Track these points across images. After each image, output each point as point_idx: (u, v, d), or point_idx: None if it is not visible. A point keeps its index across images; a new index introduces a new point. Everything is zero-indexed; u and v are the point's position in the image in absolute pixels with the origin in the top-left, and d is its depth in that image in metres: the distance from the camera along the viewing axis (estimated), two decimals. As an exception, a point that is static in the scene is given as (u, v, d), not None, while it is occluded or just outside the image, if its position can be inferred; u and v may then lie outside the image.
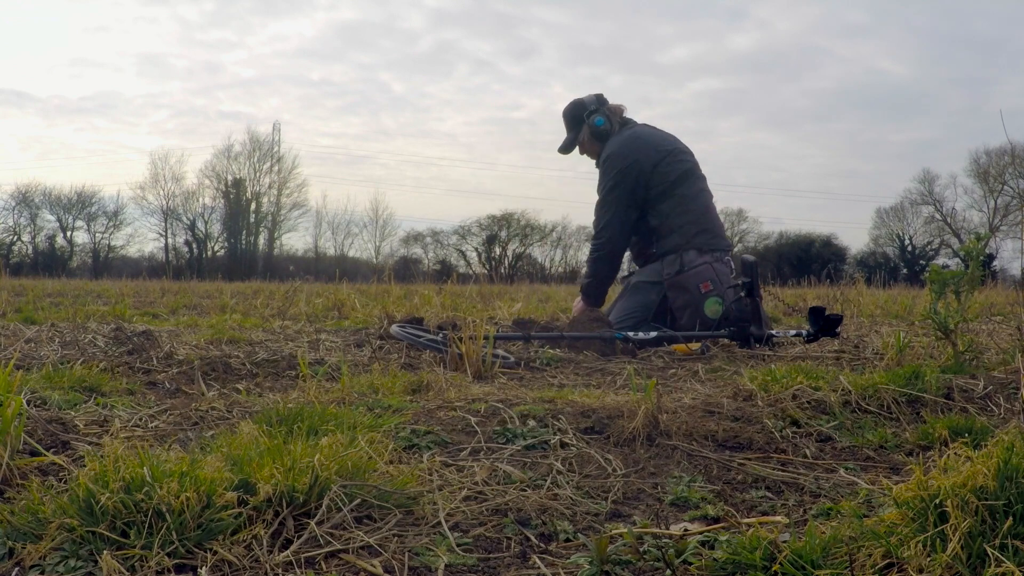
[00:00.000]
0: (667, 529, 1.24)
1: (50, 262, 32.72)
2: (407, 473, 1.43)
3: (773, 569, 1.05)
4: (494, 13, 65.83)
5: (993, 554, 0.98)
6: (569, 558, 1.17)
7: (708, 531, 1.24)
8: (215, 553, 1.11)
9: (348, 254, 43.37)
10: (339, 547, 1.17)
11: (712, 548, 1.17)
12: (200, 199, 41.93)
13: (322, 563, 1.13)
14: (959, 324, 2.74)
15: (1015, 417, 2.02)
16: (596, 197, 4.49)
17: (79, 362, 2.66)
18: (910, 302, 7.75)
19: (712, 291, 4.13)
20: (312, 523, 1.21)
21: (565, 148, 4.64)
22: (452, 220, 67.18)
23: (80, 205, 40.44)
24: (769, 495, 1.49)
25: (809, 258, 36.03)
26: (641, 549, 1.16)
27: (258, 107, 59.81)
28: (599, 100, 4.56)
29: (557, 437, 1.78)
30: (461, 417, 1.93)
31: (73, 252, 40.55)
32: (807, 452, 1.78)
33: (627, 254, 4.65)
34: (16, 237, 39.79)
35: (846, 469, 1.66)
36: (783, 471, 1.64)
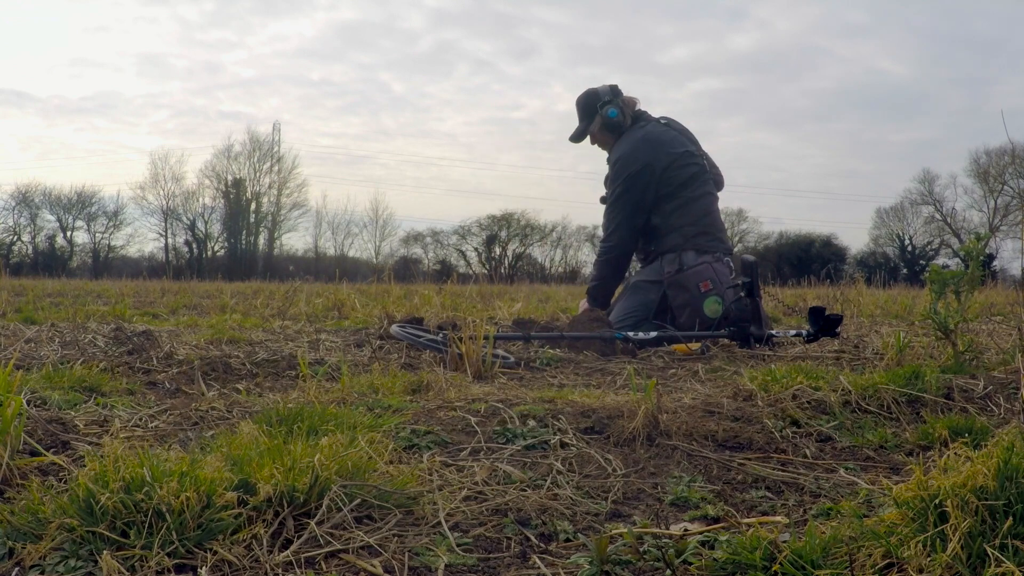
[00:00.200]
0: (667, 529, 1.24)
1: (50, 262, 32.72)
2: (407, 473, 1.43)
3: (773, 569, 1.05)
4: (494, 13, 65.88)
5: (993, 554, 0.98)
6: (569, 558, 1.17)
7: (708, 531, 1.24)
8: (215, 553, 1.11)
9: (348, 254, 43.41)
10: (339, 547, 1.17)
11: (712, 548, 1.17)
12: (200, 199, 41.99)
13: (322, 563, 1.13)
14: (959, 324, 2.74)
15: (1015, 417, 2.02)
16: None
17: (79, 362, 2.66)
18: (910, 302, 7.75)
19: (711, 290, 4.13)
20: (312, 523, 1.21)
21: (576, 137, 4.60)
22: (452, 220, 67.23)
23: (80, 205, 40.49)
24: (769, 495, 1.49)
25: (809, 258, 36.03)
26: (641, 549, 1.16)
27: (258, 107, 59.86)
28: (613, 91, 4.50)
29: (557, 437, 1.78)
30: (461, 417, 1.93)
31: (73, 252, 40.57)
32: (807, 452, 1.78)
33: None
34: (16, 237, 39.83)
35: (846, 469, 1.66)
36: (783, 471, 1.64)
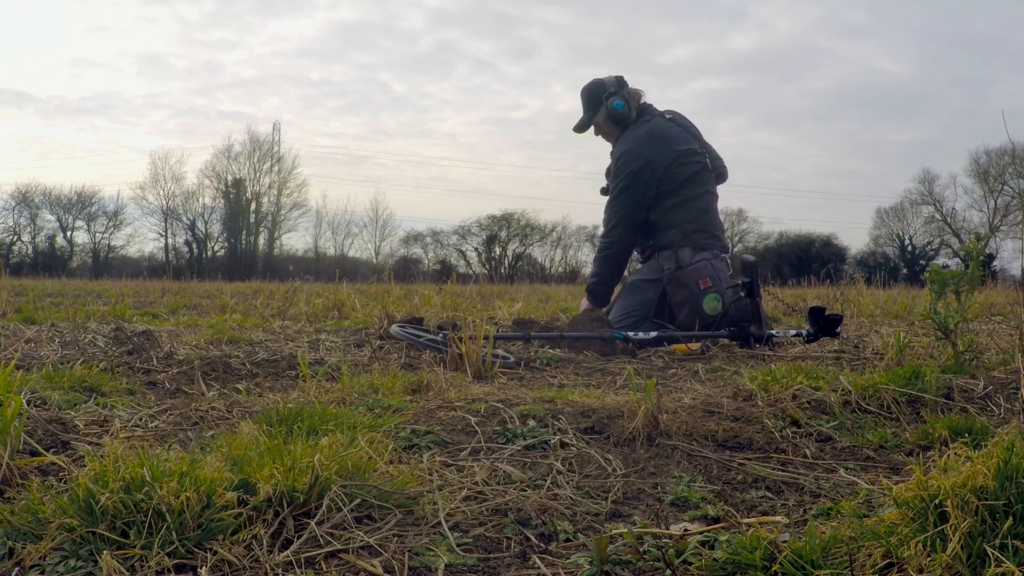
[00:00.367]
0: (667, 529, 1.24)
1: (50, 262, 32.72)
2: (407, 473, 1.43)
3: (773, 569, 1.05)
4: (494, 13, 65.88)
5: (993, 554, 0.98)
6: (569, 558, 1.17)
7: (708, 531, 1.24)
8: (215, 553, 1.11)
9: (348, 254, 43.40)
10: (339, 547, 1.17)
11: (712, 548, 1.17)
12: (200, 199, 41.98)
13: (322, 563, 1.13)
14: (959, 324, 2.74)
15: (1015, 417, 2.02)
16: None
17: (79, 362, 2.66)
18: (910, 302, 7.75)
19: (711, 287, 4.13)
20: (312, 523, 1.21)
21: (580, 127, 4.57)
22: (452, 220, 67.22)
23: (80, 205, 40.48)
24: (769, 495, 1.49)
25: (809, 258, 36.03)
26: (641, 549, 1.16)
27: (258, 107, 59.85)
28: (619, 82, 4.47)
29: (557, 437, 1.78)
30: (461, 417, 1.93)
31: (73, 252, 40.57)
32: (807, 452, 1.78)
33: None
34: (16, 237, 39.82)
35: (846, 469, 1.66)
36: (783, 471, 1.63)
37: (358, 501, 1.29)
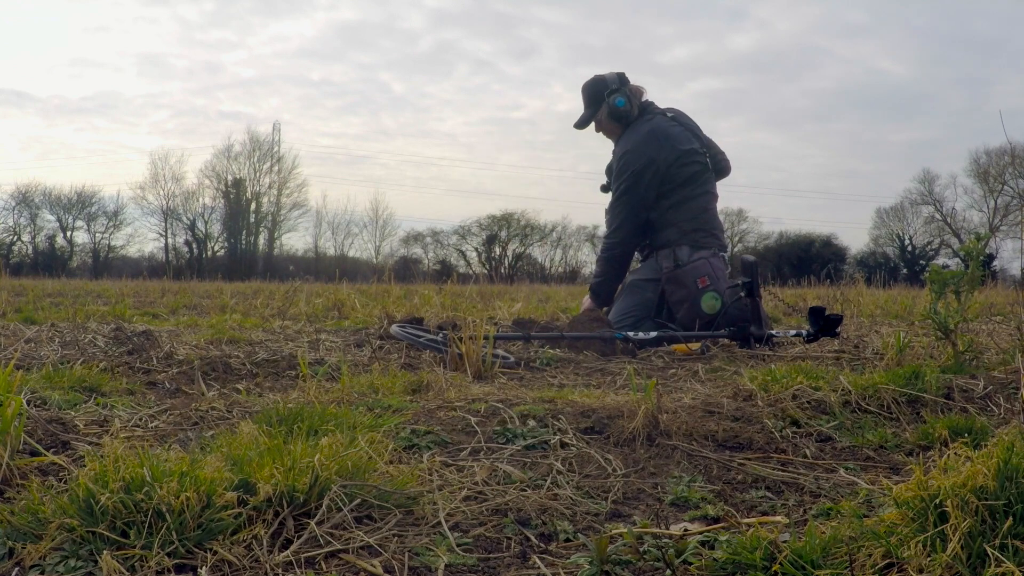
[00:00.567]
0: (667, 529, 1.24)
1: (50, 262, 32.74)
2: (407, 473, 1.43)
3: (773, 569, 1.05)
4: (494, 13, 65.88)
5: (993, 554, 0.98)
6: (569, 558, 1.17)
7: (708, 531, 1.24)
8: (215, 553, 1.11)
9: (348, 254, 43.40)
10: (339, 547, 1.17)
11: (712, 548, 1.17)
12: (200, 199, 41.98)
13: (322, 563, 1.13)
14: (959, 324, 2.74)
15: (1015, 417, 2.02)
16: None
17: (79, 362, 2.66)
18: (910, 302, 7.75)
19: (709, 286, 4.13)
20: (312, 523, 1.21)
21: (581, 124, 4.53)
22: (452, 220, 67.23)
23: (80, 205, 40.48)
24: (769, 495, 1.49)
25: (809, 258, 36.03)
26: (641, 549, 1.16)
27: (258, 107, 59.86)
28: (621, 79, 4.44)
29: (557, 437, 1.78)
30: (461, 417, 1.93)
31: (73, 252, 40.57)
32: (807, 452, 1.78)
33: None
34: (16, 237, 39.82)
35: (846, 469, 1.66)
36: (783, 471, 1.63)
37: (358, 501, 1.29)
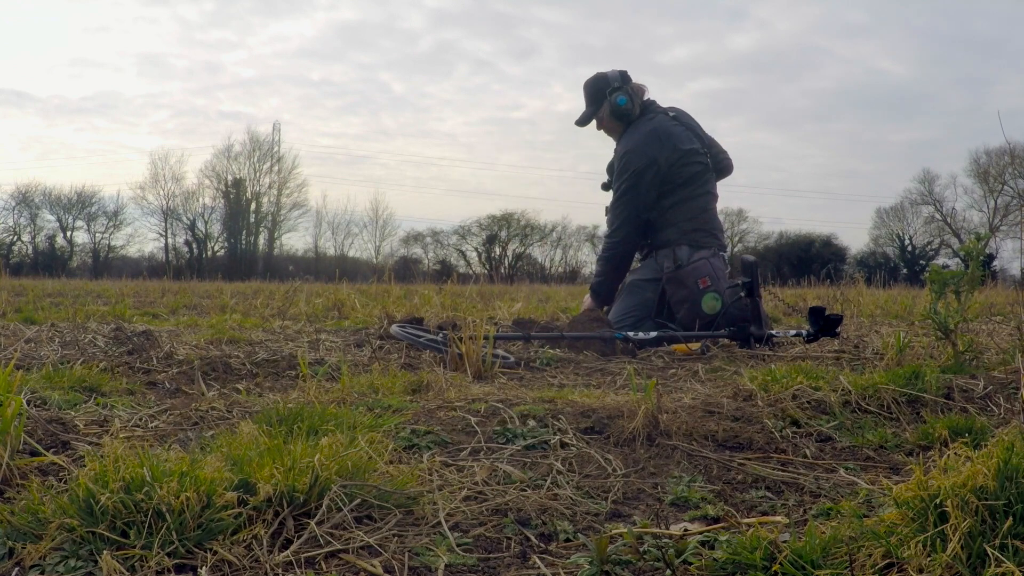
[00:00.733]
0: (667, 529, 1.24)
1: (50, 262, 32.73)
2: (407, 473, 1.43)
3: (773, 569, 1.05)
4: (494, 13, 65.88)
5: (993, 554, 0.98)
6: (569, 558, 1.17)
7: (708, 531, 1.24)
8: (215, 553, 1.11)
9: (348, 254, 43.40)
10: (339, 547, 1.17)
11: (712, 548, 1.17)
12: (200, 199, 41.98)
13: (322, 563, 1.13)
14: (959, 324, 2.74)
15: (1015, 417, 2.02)
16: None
17: (79, 362, 2.66)
18: (910, 302, 7.75)
19: (710, 287, 4.13)
20: (312, 523, 1.21)
21: (582, 121, 4.52)
22: (452, 220, 67.22)
23: (80, 205, 40.48)
24: (769, 495, 1.49)
25: (809, 258, 36.04)
26: (641, 549, 1.16)
27: (258, 107, 59.85)
28: (623, 77, 4.43)
29: (557, 437, 1.78)
30: (461, 417, 1.93)
31: (73, 252, 40.57)
32: (807, 452, 1.78)
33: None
34: (16, 237, 39.82)
35: (846, 469, 1.66)
36: (783, 471, 1.63)
37: (358, 501, 1.29)
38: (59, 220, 40.50)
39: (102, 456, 1.23)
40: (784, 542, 1.09)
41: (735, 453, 1.76)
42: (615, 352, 3.53)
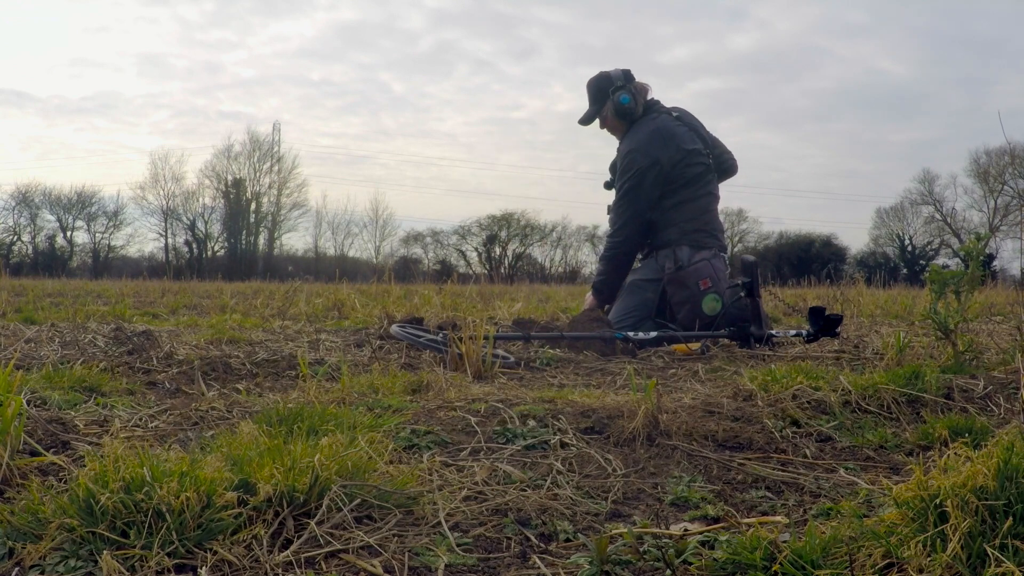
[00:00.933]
0: (667, 529, 1.24)
1: (50, 262, 32.72)
2: (407, 473, 1.43)
3: (773, 569, 1.05)
4: (494, 13, 65.90)
5: (993, 554, 0.98)
6: (569, 558, 1.17)
7: (708, 531, 1.24)
8: (215, 553, 1.11)
9: (348, 254, 43.41)
10: (339, 547, 1.17)
11: (712, 548, 1.17)
12: (200, 199, 41.99)
13: (322, 563, 1.13)
14: (959, 324, 2.74)
15: (1015, 417, 2.02)
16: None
17: (79, 362, 2.66)
18: (910, 302, 7.75)
19: (711, 288, 4.13)
20: (312, 523, 1.21)
21: (585, 120, 4.53)
22: (452, 220, 67.23)
23: (80, 205, 40.49)
24: (769, 495, 1.49)
25: (809, 258, 36.04)
26: (641, 549, 1.16)
27: (258, 107, 59.87)
28: (627, 76, 4.44)
29: (557, 437, 1.78)
30: (461, 417, 1.93)
31: (73, 252, 40.57)
32: (807, 452, 1.78)
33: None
34: (16, 237, 39.82)
35: (846, 469, 1.66)
36: (783, 471, 1.63)
37: (358, 501, 1.29)
38: (59, 220, 40.54)
39: (102, 456, 1.23)
40: (784, 542, 1.10)
41: (735, 453, 1.76)
42: (615, 352, 3.53)
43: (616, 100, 4.36)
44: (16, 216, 39.64)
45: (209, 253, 41.39)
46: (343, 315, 5.66)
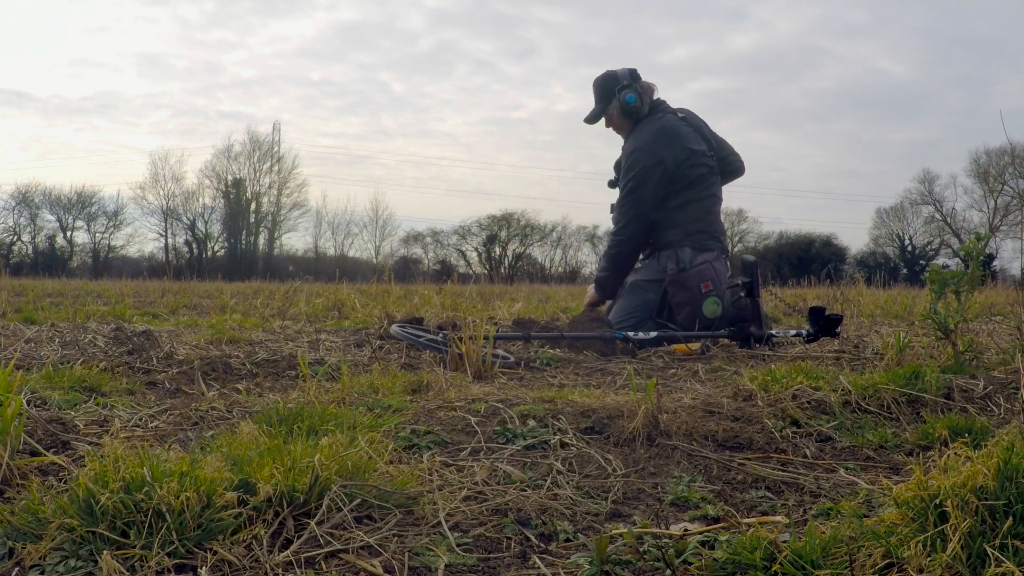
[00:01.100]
0: (667, 529, 1.24)
1: (50, 262, 32.72)
2: (407, 473, 1.43)
3: (773, 569, 1.05)
4: (494, 13, 65.91)
5: (993, 554, 0.98)
6: (569, 558, 1.17)
7: (708, 531, 1.24)
8: (215, 553, 1.11)
9: (348, 254, 43.40)
10: (339, 547, 1.17)
11: (712, 548, 1.17)
12: (200, 199, 41.99)
13: (322, 563, 1.13)
14: (959, 324, 2.74)
15: (1015, 417, 2.02)
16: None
17: (79, 362, 2.66)
18: (910, 302, 7.75)
19: (712, 291, 4.14)
20: (312, 523, 1.21)
21: (591, 119, 4.55)
22: (452, 220, 67.23)
23: (80, 205, 40.49)
24: (769, 495, 1.49)
25: (809, 258, 36.04)
26: (641, 549, 1.16)
27: (258, 107, 59.87)
28: (633, 76, 4.45)
29: (557, 437, 1.78)
30: (461, 417, 1.93)
31: (73, 252, 40.57)
32: (807, 452, 1.78)
33: None
34: (16, 237, 39.82)
35: (846, 469, 1.66)
36: (783, 471, 1.63)
37: (358, 501, 1.29)
38: (59, 220, 40.54)
39: (102, 456, 1.23)
40: (784, 542, 1.10)
41: (735, 453, 1.76)
42: (615, 352, 3.53)
43: (622, 99, 4.37)
44: (16, 216, 39.68)
45: (209, 253, 41.40)
46: (343, 315, 5.66)
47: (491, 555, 1.19)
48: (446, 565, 1.14)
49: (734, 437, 1.85)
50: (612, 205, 4.48)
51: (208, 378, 2.61)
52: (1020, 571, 0.95)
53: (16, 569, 1.07)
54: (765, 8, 65.02)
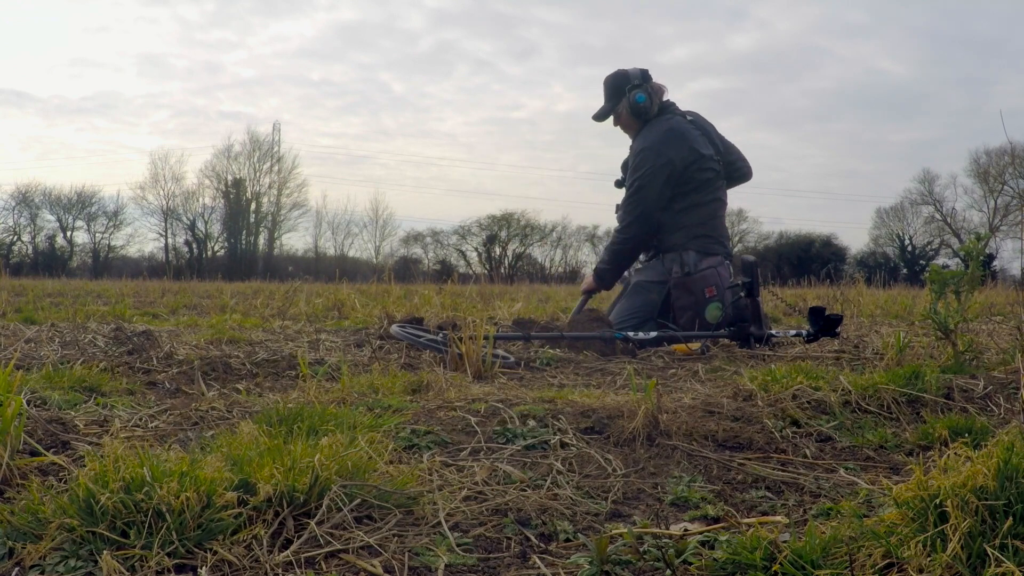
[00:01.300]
0: (667, 529, 1.24)
1: (50, 262, 32.70)
2: (407, 473, 1.43)
3: (773, 569, 1.05)
4: (494, 13, 65.90)
5: (993, 554, 0.98)
6: (569, 558, 1.17)
7: (708, 531, 1.24)
8: (215, 553, 1.11)
9: (348, 254, 43.40)
10: (339, 547, 1.17)
11: (712, 548, 1.17)
12: (200, 199, 41.99)
13: (322, 563, 1.13)
14: (959, 324, 2.74)
15: (1015, 417, 2.02)
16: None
17: (79, 362, 2.66)
18: (910, 302, 7.75)
19: (715, 296, 4.15)
20: (312, 523, 1.21)
21: (600, 116, 4.56)
22: (452, 220, 67.21)
23: (80, 205, 40.49)
24: (769, 495, 1.49)
25: (809, 258, 36.03)
26: (641, 549, 1.16)
27: (258, 107, 59.87)
28: (644, 76, 4.48)
29: (557, 437, 1.78)
30: (461, 417, 1.93)
31: (73, 252, 40.56)
32: (807, 452, 1.78)
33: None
34: (16, 237, 39.82)
35: (846, 469, 1.66)
36: (783, 471, 1.63)
37: (358, 501, 1.29)
38: (59, 220, 40.54)
39: (102, 456, 1.23)
40: (784, 542, 1.10)
41: (735, 453, 1.76)
42: (615, 352, 3.53)
43: (632, 98, 4.38)
44: (16, 216, 39.68)
45: (209, 253, 41.39)
46: (343, 315, 5.66)
47: (491, 555, 1.19)
48: (446, 565, 1.14)
49: (734, 437, 1.85)
50: (617, 205, 4.49)
51: (208, 378, 2.61)
52: (1020, 571, 0.95)
53: (16, 569, 1.07)
54: (765, 8, 65.06)
